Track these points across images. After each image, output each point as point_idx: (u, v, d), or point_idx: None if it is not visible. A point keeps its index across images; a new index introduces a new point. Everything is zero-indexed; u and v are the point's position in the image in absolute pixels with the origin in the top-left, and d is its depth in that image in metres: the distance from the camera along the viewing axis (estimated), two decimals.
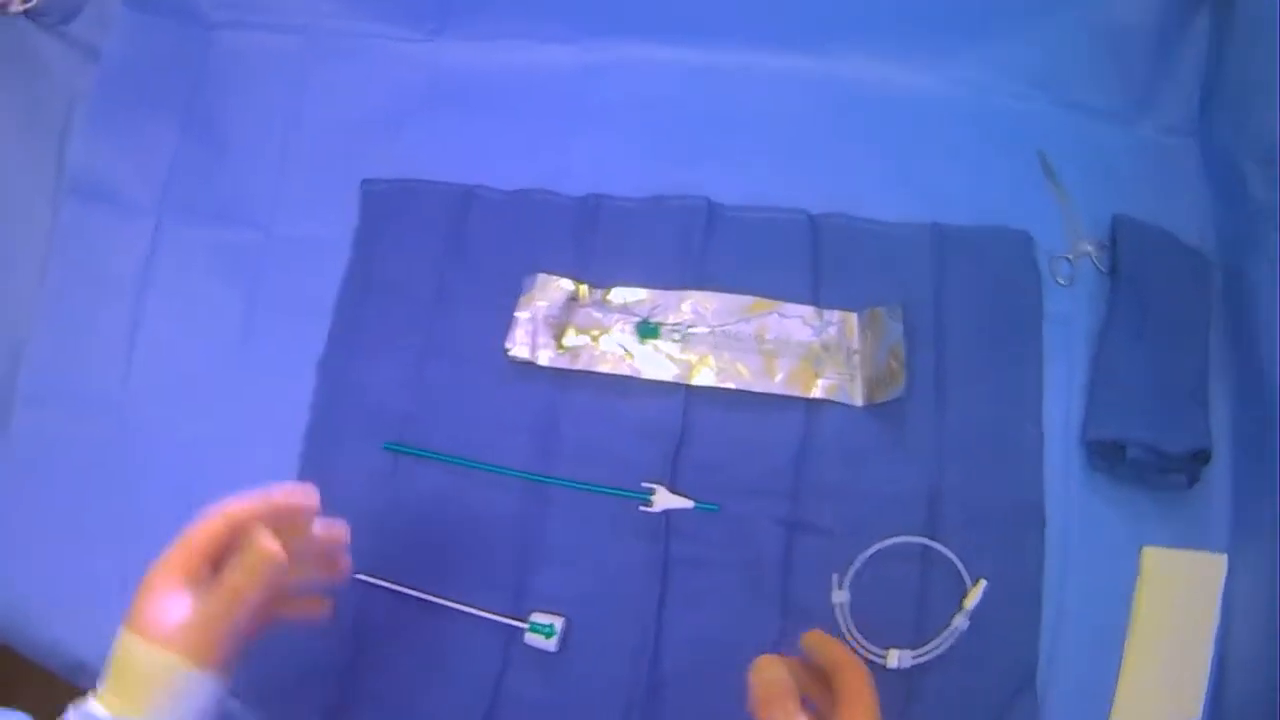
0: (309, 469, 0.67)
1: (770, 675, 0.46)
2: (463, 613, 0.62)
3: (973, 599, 0.60)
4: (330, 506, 0.64)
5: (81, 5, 0.78)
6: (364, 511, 0.64)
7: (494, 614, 0.62)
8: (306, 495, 0.51)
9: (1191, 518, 0.63)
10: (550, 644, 0.60)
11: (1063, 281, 0.66)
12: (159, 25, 0.78)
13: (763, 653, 0.59)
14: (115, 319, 0.71)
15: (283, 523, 0.50)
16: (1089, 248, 0.66)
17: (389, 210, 0.71)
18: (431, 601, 0.63)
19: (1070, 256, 0.66)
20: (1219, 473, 0.63)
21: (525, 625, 0.61)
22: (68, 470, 0.70)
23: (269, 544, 0.47)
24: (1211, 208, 0.68)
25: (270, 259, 0.72)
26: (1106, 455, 0.63)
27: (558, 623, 0.61)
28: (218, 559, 0.48)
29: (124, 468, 0.69)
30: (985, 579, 0.60)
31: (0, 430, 0.71)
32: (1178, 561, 0.63)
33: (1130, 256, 0.65)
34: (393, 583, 0.63)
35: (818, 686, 0.48)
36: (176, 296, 0.72)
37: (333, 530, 0.53)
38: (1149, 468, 0.62)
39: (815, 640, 0.49)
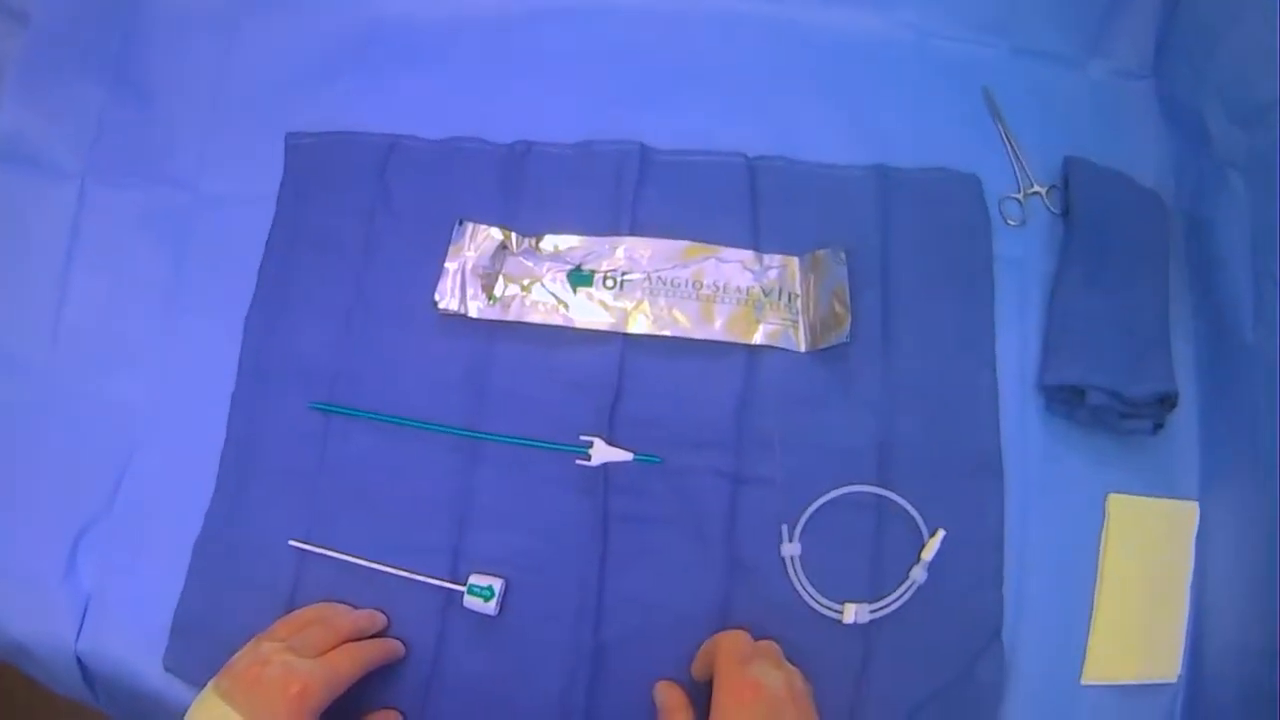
0: (237, 430, 0.64)
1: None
2: (398, 578, 0.59)
3: (930, 549, 0.58)
4: (259, 469, 0.63)
5: None
6: (294, 474, 0.63)
7: (431, 578, 0.59)
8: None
9: (1158, 464, 0.61)
10: (490, 607, 0.57)
11: (1013, 222, 0.64)
12: None
13: (707, 613, 0.57)
14: (42, 283, 0.69)
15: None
16: (1039, 189, 0.65)
17: (314, 164, 0.69)
18: (366, 567, 0.60)
19: (1019, 197, 0.64)
20: (1184, 418, 0.61)
21: (463, 588, 0.58)
22: None
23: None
24: (1167, 150, 0.67)
25: (198, 218, 0.70)
26: (1065, 401, 0.60)
27: (497, 584, 0.58)
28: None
29: (53, 433, 0.66)
30: (943, 529, 0.58)
31: None
32: (1146, 509, 0.61)
33: (1083, 197, 0.63)
34: (325, 548, 0.60)
35: None
36: (104, 259, 0.70)
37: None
38: (1110, 413, 0.59)
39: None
